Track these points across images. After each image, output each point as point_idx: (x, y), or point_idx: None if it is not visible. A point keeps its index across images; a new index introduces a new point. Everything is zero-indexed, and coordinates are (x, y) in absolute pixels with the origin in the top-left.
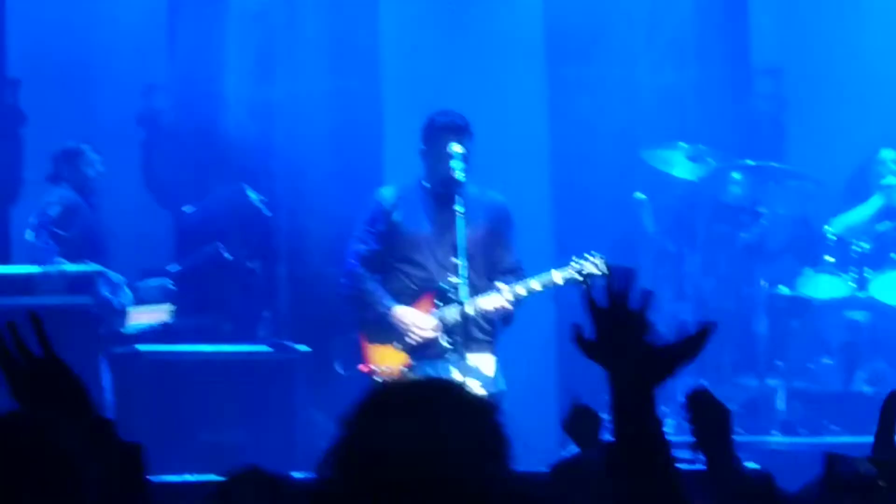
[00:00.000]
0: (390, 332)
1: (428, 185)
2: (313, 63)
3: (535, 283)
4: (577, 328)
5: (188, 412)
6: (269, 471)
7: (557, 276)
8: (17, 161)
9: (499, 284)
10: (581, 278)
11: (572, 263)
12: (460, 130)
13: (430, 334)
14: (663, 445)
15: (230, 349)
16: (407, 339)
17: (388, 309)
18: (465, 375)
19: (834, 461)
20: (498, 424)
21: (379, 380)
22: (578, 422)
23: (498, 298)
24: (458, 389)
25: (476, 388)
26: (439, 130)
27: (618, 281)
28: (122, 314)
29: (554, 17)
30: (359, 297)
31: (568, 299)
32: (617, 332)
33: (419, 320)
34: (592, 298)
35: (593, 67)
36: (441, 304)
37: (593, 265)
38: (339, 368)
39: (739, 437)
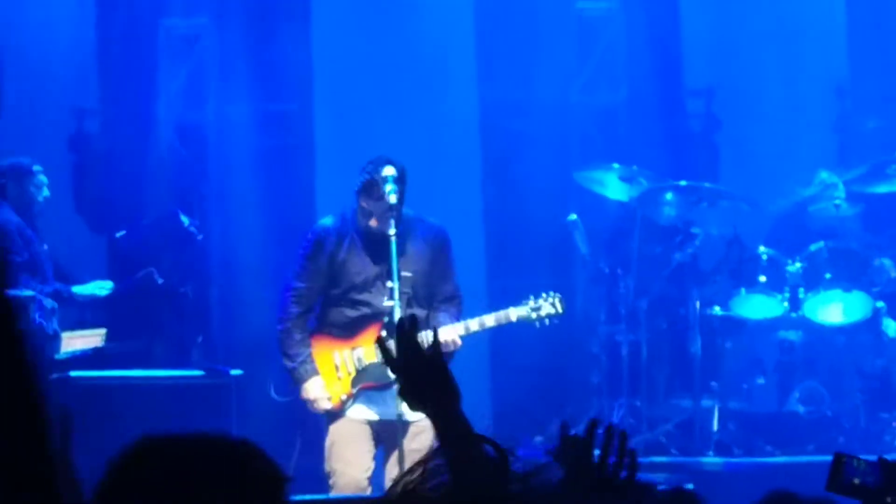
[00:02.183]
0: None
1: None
2: (245, 86)
3: (490, 319)
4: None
5: (121, 438)
6: None
7: (513, 314)
8: None
9: (439, 317)
10: (535, 317)
11: (530, 302)
12: (397, 181)
13: (323, 406)
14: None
15: (163, 374)
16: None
17: (299, 374)
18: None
19: (841, 462)
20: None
21: (314, 409)
22: (570, 451)
23: (450, 332)
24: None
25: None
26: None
27: (408, 332)
28: (55, 339)
29: (485, 37)
30: (282, 342)
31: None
32: (418, 382)
33: (320, 395)
34: (389, 357)
35: (524, 88)
36: (387, 334)
37: (550, 305)
38: (274, 395)
39: (675, 458)
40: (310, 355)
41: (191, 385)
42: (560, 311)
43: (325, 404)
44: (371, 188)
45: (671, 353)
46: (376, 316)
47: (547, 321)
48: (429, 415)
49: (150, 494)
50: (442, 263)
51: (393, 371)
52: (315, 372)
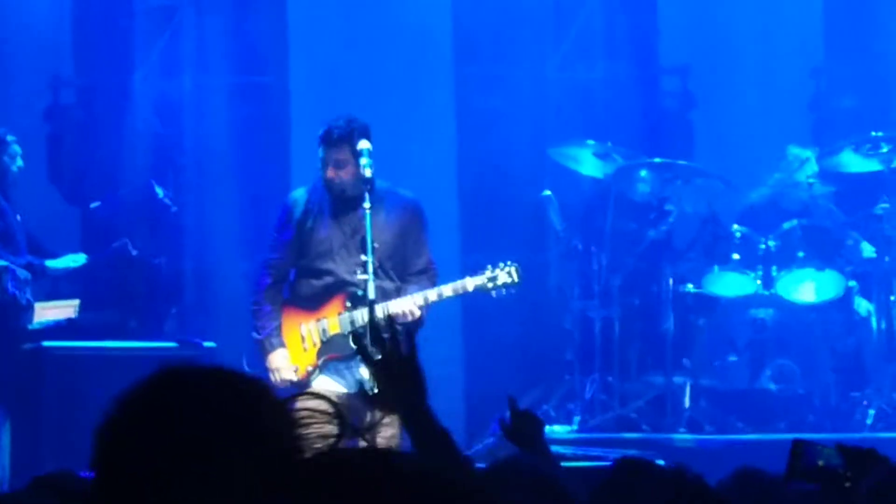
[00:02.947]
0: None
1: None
2: (221, 57)
3: (447, 289)
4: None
5: (94, 409)
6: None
7: (470, 283)
8: None
9: (409, 290)
10: (492, 286)
11: (486, 272)
12: (362, 134)
13: (286, 377)
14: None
15: (136, 345)
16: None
17: (264, 347)
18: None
19: (801, 449)
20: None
21: (277, 378)
22: (521, 426)
23: (407, 302)
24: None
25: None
26: (348, 140)
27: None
28: (28, 310)
29: (461, 13)
30: (253, 314)
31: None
32: (393, 382)
33: (283, 365)
34: (366, 353)
35: (500, 64)
36: (351, 305)
37: (507, 274)
38: (246, 365)
39: (646, 434)
40: (276, 328)
41: (164, 356)
42: (516, 280)
43: (287, 374)
44: (327, 137)
45: (644, 329)
46: (341, 286)
47: (504, 291)
48: (400, 416)
49: (172, 421)
50: (414, 235)
51: (370, 372)
52: (280, 345)
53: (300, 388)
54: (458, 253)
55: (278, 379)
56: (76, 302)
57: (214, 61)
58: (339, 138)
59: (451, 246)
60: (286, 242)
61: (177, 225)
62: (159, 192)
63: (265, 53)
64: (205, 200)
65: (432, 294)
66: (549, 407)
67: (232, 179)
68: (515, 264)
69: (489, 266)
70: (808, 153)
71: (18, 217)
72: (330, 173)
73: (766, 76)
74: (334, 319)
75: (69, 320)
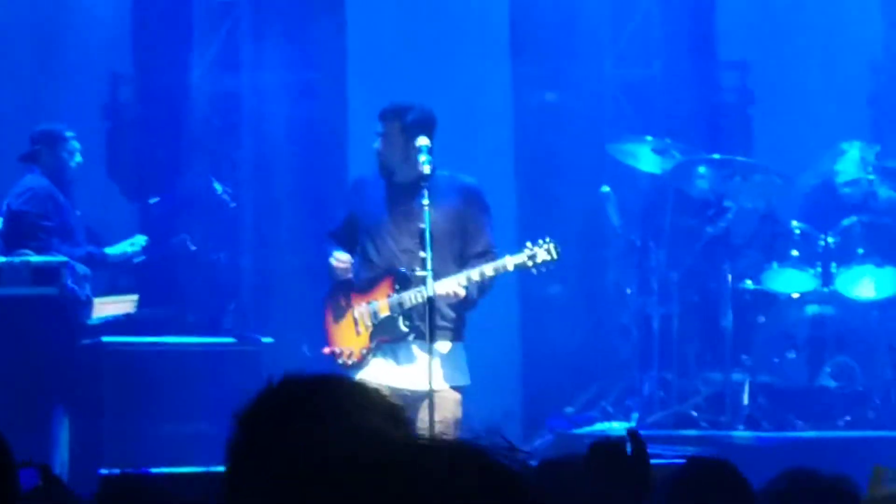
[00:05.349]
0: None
1: (390, 177)
2: (278, 54)
3: (489, 269)
4: None
5: (152, 404)
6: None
7: (510, 262)
8: None
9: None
10: (531, 264)
11: (525, 249)
12: (427, 124)
13: (340, 265)
14: None
15: (194, 341)
16: (333, 275)
17: (329, 254)
18: (428, 359)
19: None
20: (408, 424)
21: (340, 362)
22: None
23: (451, 282)
24: (355, 387)
25: (434, 375)
26: (399, 117)
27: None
28: (87, 305)
29: (519, 10)
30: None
31: (532, 298)
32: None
33: (342, 257)
34: None
35: (558, 61)
36: (400, 287)
37: (545, 252)
38: (307, 350)
39: (704, 431)
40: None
41: (222, 351)
42: (555, 256)
43: (339, 263)
44: (382, 114)
45: (702, 326)
46: (389, 269)
47: (544, 268)
48: None
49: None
50: (472, 218)
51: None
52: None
53: (356, 369)
54: (515, 249)
55: (339, 265)
56: (135, 297)
57: (272, 58)
58: (392, 112)
59: (508, 242)
60: (343, 222)
61: (235, 220)
62: (218, 187)
63: (323, 50)
64: (262, 196)
65: (474, 273)
66: (606, 403)
67: (290, 175)
68: (554, 242)
69: (528, 243)
70: (869, 152)
71: (78, 212)
72: (382, 149)
73: (825, 71)
74: (384, 302)
75: (127, 315)
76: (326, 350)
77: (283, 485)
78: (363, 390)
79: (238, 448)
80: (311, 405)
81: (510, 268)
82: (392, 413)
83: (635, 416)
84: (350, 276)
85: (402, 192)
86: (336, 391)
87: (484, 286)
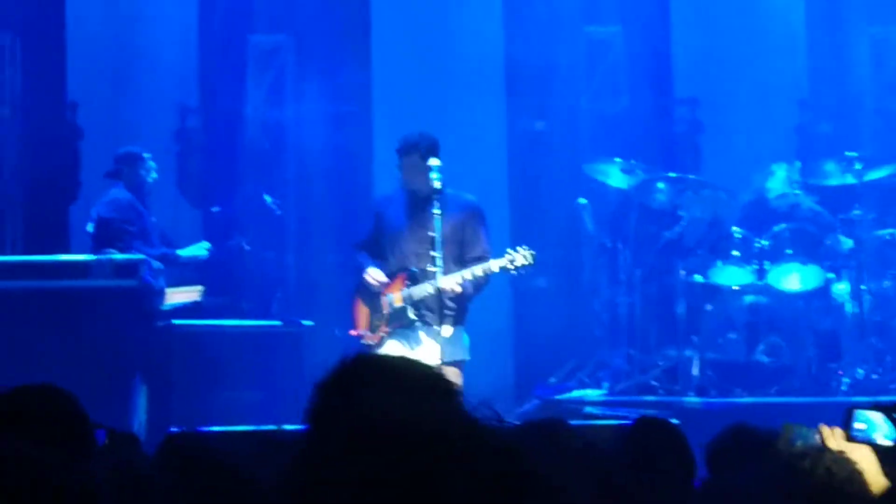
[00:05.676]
0: (375, 301)
1: (409, 191)
2: (317, 91)
3: (478, 270)
4: None
5: (214, 375)
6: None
7: (494, 265)
8: (75, 168)
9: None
10: (512, 267)
11: (507, 255)
12: (430, 151)
13: (374, 281)
14: None
15: (248, 323)
16: (366, 285)
17: (363, 267)
18: (434, 341)
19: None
20: (457, 396)
21: (363, 342)
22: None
23: (450, 279)
24: (422, 366)
25: (437, 354)
26: (417, 149)
27: None
28: (160, 294)
29: (512, 54)
30: (354, 267)
31: (523, 289)
32: None
33: (376, 274)
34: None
35: (544, 95)
36: (410, 283)
37: (523, 257)
38: (337, 332)
39: (662, 397)
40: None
41: (270, 332)
42: (530, 262)
43: (380, 276)
44: (400, 148)
45: (660, 312)
46: (402, 268)
47: (522, 271)
48: None
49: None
50: (471, 229)
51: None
52: (371, 264)
53: (376, 349)
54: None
55: (373, 281)
56: (200, 288)
57: (311, 93)
58: (409, 147)
59: (503, 245)
60: (369, 230)
61: (281, 226)
62: (267, 199)
63: (352, 87)
64: (303, 206)
65: (467, 273)
66: (582, 375)
67: (325, 189)
68: (532, 250)
69: (509, 249)
70: (796, 174)
71: (154, 219)
72: (404, 176)
73: (760, 106)
74: (398, 294)
75: (194, 303)
76: (353, 332)
77: (354, 444)
78: (422, 367)
79: (316, 412)
80: (379, 379)
81: (495, 269)
82: (445, 388)
83: (606, 385)
84: (377, 285)
85: (418, 204)
86: (400, 368)
87: (478, 283)
